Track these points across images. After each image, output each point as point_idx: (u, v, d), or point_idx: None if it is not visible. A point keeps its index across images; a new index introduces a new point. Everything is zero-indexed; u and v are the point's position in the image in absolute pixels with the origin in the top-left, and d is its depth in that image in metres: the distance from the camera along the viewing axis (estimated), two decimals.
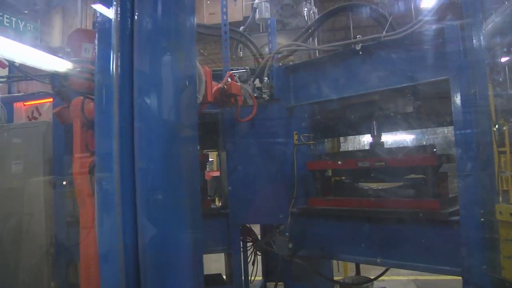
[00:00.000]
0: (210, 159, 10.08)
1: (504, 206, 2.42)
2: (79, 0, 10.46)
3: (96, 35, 1.90)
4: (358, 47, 3.14)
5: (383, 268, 3.46)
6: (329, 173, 3.76)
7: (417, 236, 2.87)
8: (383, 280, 5.04)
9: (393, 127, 3.66)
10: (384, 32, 3.07)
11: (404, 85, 3.01)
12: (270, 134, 3.65)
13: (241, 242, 4.06)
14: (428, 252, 2.80)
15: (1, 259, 3.72)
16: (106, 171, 1.76)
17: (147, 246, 1.72)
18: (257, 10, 6.86)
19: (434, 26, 2.83)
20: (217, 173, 5.25)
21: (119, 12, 1.76)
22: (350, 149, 4.40)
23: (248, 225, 3.99)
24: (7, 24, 7.16)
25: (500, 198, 2.74)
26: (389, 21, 3.16)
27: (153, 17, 1.84)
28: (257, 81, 3.69)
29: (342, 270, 5.77)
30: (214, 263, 4.99)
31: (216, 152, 4.46)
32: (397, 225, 2.96)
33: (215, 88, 3.05)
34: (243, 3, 10.87)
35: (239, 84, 3.39)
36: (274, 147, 3.64)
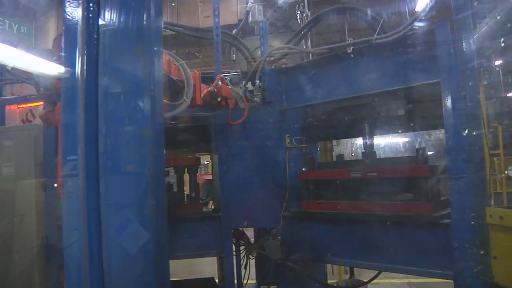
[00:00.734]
0: (206, 162, 10.01)
1: (494, 209, 2.42)
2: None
3: (62, 38, 1.87)
4: (349, 50, 3.14)
5: (377, 271, 3.45)
6: None
7: (409, 239, 2.86)
8: (378, 283, 5.04)
9: (385, 130, 3.66)
10: (375, 35, 3.07)
11: (395, 87, 3.01)
12: (262, 137, 3.63)
13: (234, 246, 4.04)
14: (420, 255, 2.78)
15: None
16: (71, 175, 1.73)
17: (112, 252, 1.70)
18: (250, 13, 6.85)
19: (424, 29, 2.84)
20: (210, 176, 5.22)
21: (85, 14, 1.73)
22: (343, 151, 4.37)
23: (240, 228, 3.97)
24: (1, 27, 7.13)
25: (492, 201, 2.74)
26: (380, 23, 3.16)
27: (118, 19, 1.81)
28: (249, 84, 3.67)
29: (337, 273, 5.76)
30: (208, 266, 4.95)
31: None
32: (390, 228, 2.95)
33: (205, 91, 3.03)
34: (238, 6, 10.87)
35: (229, 87, 3.37)
36: (266, 150, 3.62)
